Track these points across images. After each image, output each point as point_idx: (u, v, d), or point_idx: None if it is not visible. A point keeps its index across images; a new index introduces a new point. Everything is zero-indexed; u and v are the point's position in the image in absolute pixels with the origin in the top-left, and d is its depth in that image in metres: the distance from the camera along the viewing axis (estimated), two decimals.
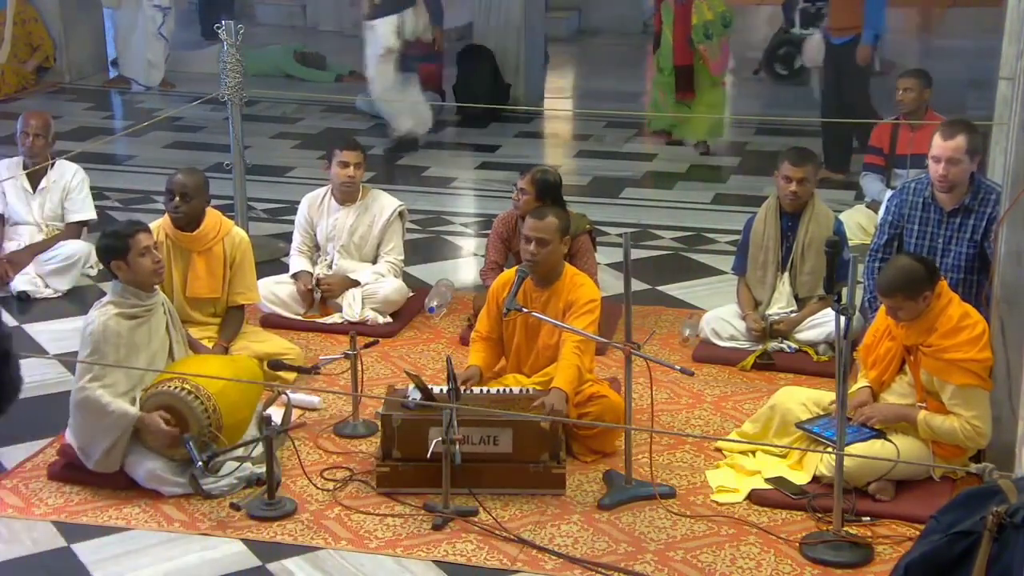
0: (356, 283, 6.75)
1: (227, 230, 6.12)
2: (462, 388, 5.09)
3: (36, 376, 6.12)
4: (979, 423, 4.90)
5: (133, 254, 5.10)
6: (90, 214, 7.58)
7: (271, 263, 7.52)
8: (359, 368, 5.49)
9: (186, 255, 6.05)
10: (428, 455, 4.82)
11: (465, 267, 7.87)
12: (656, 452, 5.25)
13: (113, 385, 4.99)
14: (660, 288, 7.37)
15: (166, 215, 6.09)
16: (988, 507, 3.29)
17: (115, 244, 5.13)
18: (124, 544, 4.70)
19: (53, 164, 7.49)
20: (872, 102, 9.63)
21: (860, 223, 7.95)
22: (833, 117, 9.30)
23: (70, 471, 5.09)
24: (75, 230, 7.53)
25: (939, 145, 5.59)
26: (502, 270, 6.40)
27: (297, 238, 6.96)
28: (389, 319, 6.72)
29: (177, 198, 5.95)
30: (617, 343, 5.23)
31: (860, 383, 5.24)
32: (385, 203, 6.88)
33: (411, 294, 6.91)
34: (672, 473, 5.20)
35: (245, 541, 4.71)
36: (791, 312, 6.31)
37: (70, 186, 7.49)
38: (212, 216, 6.10)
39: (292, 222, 7.16)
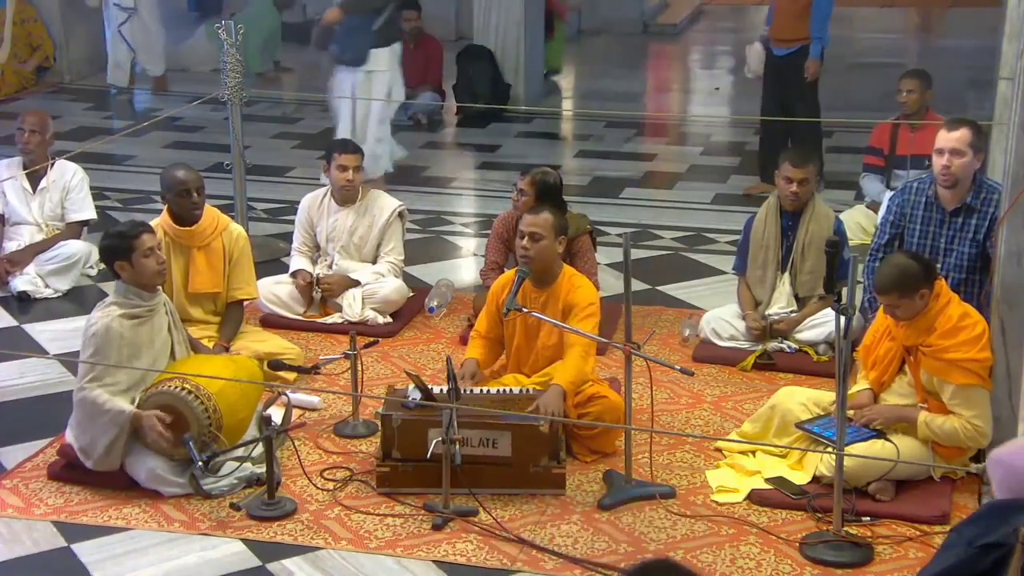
0: (356, 283, 6.74)
1: (225, 225, 6.15)
2: (462, 387, 5.09)
3: (36, 376, 6.13)
4: (980, 423, 4.89)
5: (137, 255, 5.10)
6: (90, 214, 7.58)
7: (271, 263, 7.51)
8: (359, 368, 5.49)
9: (186, 251, 6.05)
10: (428, 455, 4.81)
11: (465, 267, 7.86)
12: (656, 452, 5.25)
13: (114, 385, 4.99)
14: (660, 288, 7.36)
15: (164, 213, 6.09)
16: (1015, 520, 3.24)
17: (119, 245, 5.13)
18: (124, 544, 4.70)
19: (53, 164, 7.50)
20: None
21: (860, 223, 7.95)
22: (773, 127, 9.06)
23: (70, 471, 5.08)
24: (75, 230, 7.53)
25: (943, 137, 5.62)
26: (502, 271, 6.40)
27: (297, 238, 6.96)
28: (389, 319, 6.71)
29: (195, 194, 6.00)
30: (617, 343, 5.23)
31: (860, 384, 5.24)
32: (385, 203, 6.88)
33: (411, 294, 6.90)
34: (672, 473, 5.20)
35: (245, 541, 4.71)
36: (791, 312, 6.31)
37: (70, 186, 7.49)
38: (209, 211, 6.13)
39: (292, 222, 7.16)
